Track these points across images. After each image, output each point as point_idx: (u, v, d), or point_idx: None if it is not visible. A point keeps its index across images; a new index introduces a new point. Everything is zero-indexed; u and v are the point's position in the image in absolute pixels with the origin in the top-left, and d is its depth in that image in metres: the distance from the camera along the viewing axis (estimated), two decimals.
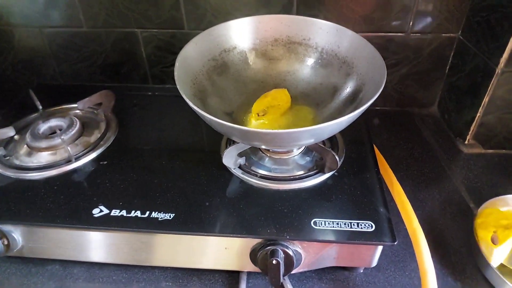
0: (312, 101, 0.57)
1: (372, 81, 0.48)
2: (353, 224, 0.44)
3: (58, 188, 0.50)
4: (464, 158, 0.67)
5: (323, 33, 0.56)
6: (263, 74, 0.59)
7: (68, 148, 0.54)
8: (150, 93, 0.78)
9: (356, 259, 0.46)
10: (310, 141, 0.46)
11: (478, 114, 0.63)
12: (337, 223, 0.44)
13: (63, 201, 0.48)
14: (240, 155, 0.51)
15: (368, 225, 0.44)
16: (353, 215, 0.45)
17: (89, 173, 0.53)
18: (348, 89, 0.54)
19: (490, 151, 0.67)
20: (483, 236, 0.49)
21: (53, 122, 0.60)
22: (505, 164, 0.65)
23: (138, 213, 0.46)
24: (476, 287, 0.47)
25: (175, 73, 0.47)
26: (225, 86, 0.56)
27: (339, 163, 0.48)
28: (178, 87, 0.45)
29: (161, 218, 0.45)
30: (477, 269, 0.49)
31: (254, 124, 0.52)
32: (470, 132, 0.66)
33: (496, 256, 0.47)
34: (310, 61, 0.58)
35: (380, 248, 0.45)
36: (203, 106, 0.50)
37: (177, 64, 0.48)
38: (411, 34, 0.69)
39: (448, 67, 0.72)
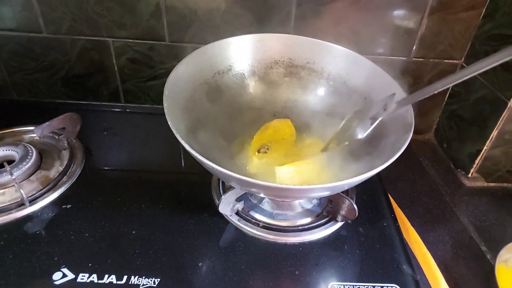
0: (317, 133, 0.50)
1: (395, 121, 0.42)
2: None
3: (6, 243, 0.39)
4: (467, 192, 0.63)
5: (331, 57, 0.50)
6: (261, 100, 0.52)
7: (20, 188, 0.43)
8: (120, 110, 0.68)
9: None
10: (325, 194, 0.39)
11: (484, 148, 0.59)
12: None
13: (12, 261, 0.37)
14: (238, 199, 0.43)
15: None
16: (375, 276, 0.39)
17: (48, 221, 0.42)
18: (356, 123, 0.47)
19: (493, 184, 0.64)
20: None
21: (0, 152, 0.48)
22: (510, 199, 0.62)
23: (113, 279, 0.37)
24: None
25: (165, 104, 0.38)
26: (219, 115, 0.48)
27: (357, 212, 0.42)
28: (169, 122, 0.36)
29: (144, 285, 0.36)
30: None
31: (257, 163, 0.44)
32: (474, 166, 0.62)
33: None
34: (315, 87, 0.51)
35: None
36: (194, 141, 0.42)
37: (166, 92, 0.39)
38: (413, 59, 0.65)
39: (448, 94, 0.69)
